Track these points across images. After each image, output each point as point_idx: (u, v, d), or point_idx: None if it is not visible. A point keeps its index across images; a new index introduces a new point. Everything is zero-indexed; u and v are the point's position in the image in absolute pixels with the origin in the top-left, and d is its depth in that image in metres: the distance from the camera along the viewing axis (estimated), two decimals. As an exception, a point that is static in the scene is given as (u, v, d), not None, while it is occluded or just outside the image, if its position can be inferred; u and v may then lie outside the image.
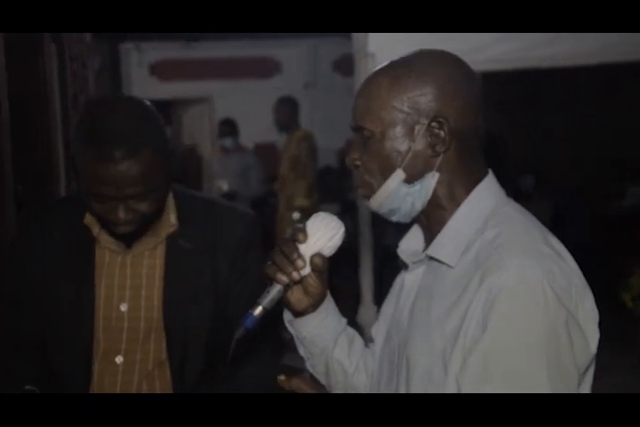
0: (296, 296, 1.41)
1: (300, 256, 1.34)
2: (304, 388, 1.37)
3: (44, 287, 1.77)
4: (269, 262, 1.36)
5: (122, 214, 1.61)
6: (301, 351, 1.52)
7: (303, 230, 1.35)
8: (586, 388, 1.28)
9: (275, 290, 1.35)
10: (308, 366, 1.53)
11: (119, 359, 1.77)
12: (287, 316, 1.48)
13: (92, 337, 1.76)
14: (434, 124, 1.29)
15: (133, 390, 1.77)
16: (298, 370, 1.49)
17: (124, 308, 1.76)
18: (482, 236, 1.27)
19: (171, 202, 1.78)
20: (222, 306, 1.79)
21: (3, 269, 1.85)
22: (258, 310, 1.34)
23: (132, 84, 8.76)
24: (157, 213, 1.72)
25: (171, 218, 1.76)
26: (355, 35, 3.43)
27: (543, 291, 1.18)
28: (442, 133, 1.29)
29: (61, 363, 1.78)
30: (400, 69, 1.31)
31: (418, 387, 1.29)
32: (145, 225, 1.71)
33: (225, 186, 6.90)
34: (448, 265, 1.29)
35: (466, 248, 1.28)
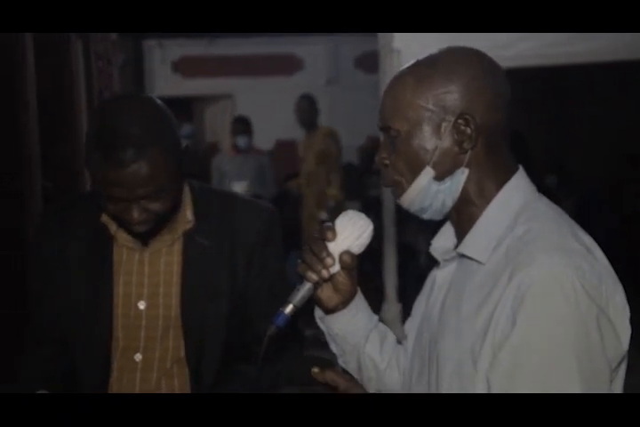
0: (326, 294, 1.43)
1: (330, 254, 1.36)
2: (337, 380, 1.38)
3: (63, 285, 1.79)
4: (300, 261, 1.38)
5: (135, 215, 1.62)
6: (333, 348, 1.53)
7: (332, 229, 1.37)
8: (618, 385, 1.27)
9: (305, 288, 1.36)
10: (341, 362, 1.53)
11: (138, 357, 1.77)
12: (318, 313, 1.49)
13: (111, 335, 1.77)
14: (460, 121, 1.29)
15: (152, 388, 1.78)
16: (330, 362, 1.49)
17: (142, 306, 1.76)
18: (512, 232, 1.27)
19: (187, 198, 1.78)
20: (240, 302, 1.79)
21: (31, 265, 1.88)
22: (289, 308, 1.35)
23: (155, 80, 8.81)
24: (173, 210, 1.72)
25: (187, 214, 1.76)
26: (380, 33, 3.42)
27: (573, 287, 1.18)
28: (468, 130, 1.29)
29: (81, 360, 1.79)
30: (425, 68, 1.32)
31: (448, 383, 1.29)
32: (161, 223, 1.71)
33: (244, 188, 6.57)
34: (479, 262, 1.30)
35: (496, 245, 1.28)
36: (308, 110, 6.25)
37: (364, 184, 7.31)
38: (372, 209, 5.29)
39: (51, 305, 1.81)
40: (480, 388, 1.24)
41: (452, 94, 1.29)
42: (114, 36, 5.23)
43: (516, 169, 1.35)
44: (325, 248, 1.36)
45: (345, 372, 1.51)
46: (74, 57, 3.57)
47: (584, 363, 1.18)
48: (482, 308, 1.25)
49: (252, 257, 1.79)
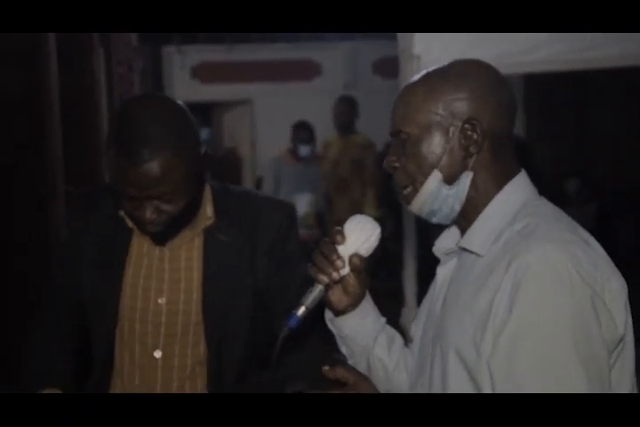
0: (336, 296, 1.49)
1: (339, 257, 1.43)
2: (348, 376, 1.43)
3: (82, 274, 1.82)
4: (311, 264, 1.44)
5: (147, 214, 1.64)
6: (343, 350, 1.58)
7: (341, 233, 1.44)
8: (624, 369, 1.29)
9: (316, 290, 1.43)
10: (351, 363, 1.57)
11: (158, 353, 1.78)
12: (328, 315, 1.55)
13: (116, 324, 1.79)
14: (467, 126, 1.36)
15: (174, 389, 1.79)
16: (339, 361, 1.53)
17: (161, 301, 1.78)
18: (511, 227, 1.33)
19: (208, 196, 1.80)
20: (261, 298, 1.80)
21: (55, 259, 1.92)
22: (301, 310, 1.41)
23: (174, 86, 8.85)
24: (192, 210, 1.74)
25: (207, 211, 1.78)
26: (400, 36, 3.42)
27: (568, 272, 1.23)
28: (475, 135, 1.36)
29: (97, 358, 1.82)
30: (435, 77, 1.40)
31: (453, 373, 1.33)
32: (175, 225, 1.72)
33: (308, 202, 5.96)
34: (478, 254, 1.35)
35: (495, 238, 1.34)
36: (347, 112, 6.11)
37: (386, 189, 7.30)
38: (393, 214, 5.27)
39: (69, 294, 1.85)
40: (485, 374, 1.28)
41: (460, 101, 1.37)
42: (134, 42, 5.27)
43: (519, 171, 1.41)
44: (335, 251, 1.43)
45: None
46: (95, 63, 3.61)
47: (581, 345, 1.22)
48: (480, 296, 1.30)
49: (272, 254, 1.81)
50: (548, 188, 1.41)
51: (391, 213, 6.91)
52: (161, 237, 1.76)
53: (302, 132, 6.36)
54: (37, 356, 1.83)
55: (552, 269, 1.24)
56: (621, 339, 1.28)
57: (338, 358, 1.56)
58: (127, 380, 1.81)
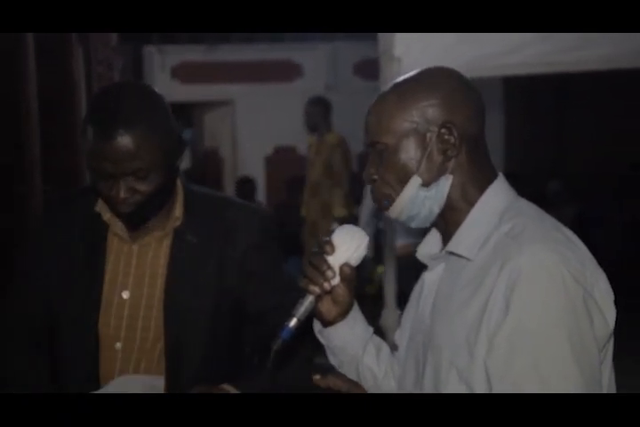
0: (326, 306, 1.49)
1: (330, 267, 1.43)
2: (339, 384, 1.42)
3: (55, 274, 1.81)
4: (301, 276, 1.44)
5: (122, 193, 1.66)
6: (332, 360, 1.58)
7: (330, 243, 1.44)
8: (607, 365, 1.33)
9: (307, 301, 1.43)
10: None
11: (118, 346, 1.79)
12: (317, 326, 1.55)
13: (98, 323, 1.78)
14: (443, 130, 1.39)
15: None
16: (329, 369, 1.52)
17: (125, 295, 1.79)
18: (498, 230, 1.35)
19: (179, 197, 1.81)
20: (230, 301, 1.81)
21: (23, 257, 1.90)
22: (293, 322, 1.41)
23: (154, 86, 8.75)
24: (163, 204, 1.76)
25: (176, 212, 1.80)
26: (380, 37, 3.42)
27: (560, 273, 1.27)
28: (452, 139, 1.38)
29: (69, 350, 1.81)
30: (406, 85, 1.42)
31: (445, 376, 1.34)
32: (147, 209, 1.73)
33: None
34: (467, 259, 1.37)
35: (484, 242, 1.36)
36: (319, 113, 6.06)
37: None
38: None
39: (40, 291, 1.83)
40: (478, 378, 1.30)
41: (433, 107, 1.39)
42: (114, 41, 5.24)
43: (496, 175, 1.43)
44: (325, 262, 1.43)
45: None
46: (75, 62, 3.58)
47: (575, 342, 1.25)
48: (473, 300, 1.32)
49: (245, 259, 1.81)
50: (527, 189, 1.44)
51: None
52: (134, 219, 1.76)
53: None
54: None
55: (545, 270, 1.26)
56: (610, 335, 1.32)
57: (322, 365, 1.55)
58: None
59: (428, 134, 1.38)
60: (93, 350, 1.80)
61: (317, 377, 1.42)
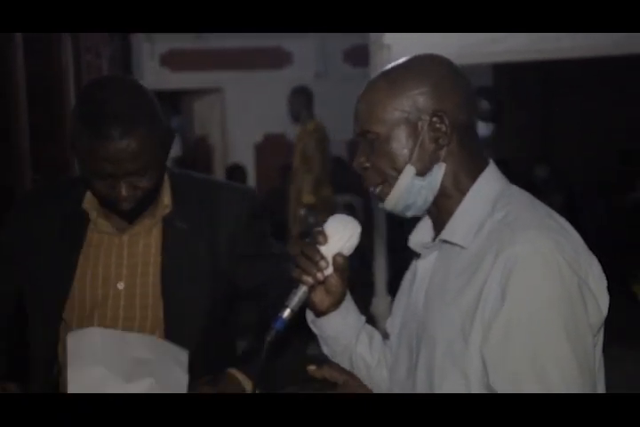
0: (319, 296, 1.48)
1: (323, 257, 1.42)
2: (335, 375, 1.42)
3: (34, 270, 1.80)
4: (294, 266, 1.43)
5: (123, 191, 1.65)
6: (325, 350, 1.58)
7: (323, 233, 1.43)
8: (598, 350, 1.35)
9: (300, 291, 1.42)
10: None
11: None
12: (310, 316, 1.54)
13: (61, 317, 1.78)
14: (435, 119, 1.38)
15: None
16: (325, 360, 1.52)
17: (120, 286, 1.79)
18: (491, 217, 1.35)
19: (166, 184, 1.81)
20: (224, 283, 1.82)
21: None
22: (286, 313, 1.41)
23: (143, 74, 8.77)
24: (154, 193, 1.75)
25: (165, 200, 1.80)
26: (370, 26, 3.42)
27: (555, 260, 1.27)
28: (443, 127, 1.38)
29: (35, 339, 1.81)
30: (396, 73, 1.41)
31: (440, 363, 1.34)
32: (145, 202, 1.74)
33: None
34: (461, 247, 1.36)
35: (477, 230, 1.36)
36: (300, 103, 6.14)
37: (354, 178, 7.30)
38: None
39: (8, 286, 1.84)
40: (474, 365, 1.31)
41: (424, 95, 1.38)
42: (103, 29, 5.20)
43: (487, 162, 1.43)
44: (318, 252, 1.42)
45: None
46: (63, 50, 3.56)
47: (571, 330, 1.26)
48: (468, 288, 1.32)
49: (235, 239, 1.82)
50: (517, 177, 1.44)
51: (361, 200, 6.94)
52: (132, 214, 1.76)
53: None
54: None
55: (541, 258, 1.27)
56: (603, 320, 1.33)
57: (317, 357, 1.55)
58: None
59: (420, 123, 1.38)
60: (53, 349, 1.78)
61: (313, 368, 1.41)
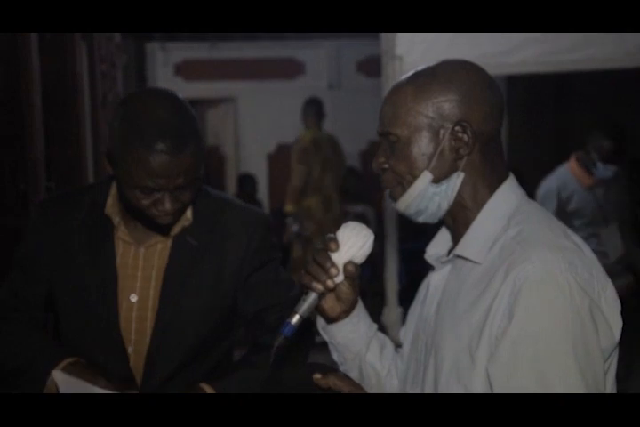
0: (329, 304, 1.48)
1: (334, 265, 1.41)
2: (340, 384, 1.40)
3: (62, 274, 1.81)
4: (304, 272, 1.41)
5: (168, 205, 1.66)
6: (335, 357, 1.57)
7: (335, 240, 1.41)
8: (610, 376, 1.31)
9: (310, 298, 1.41)
10: (343, 370, 1.56)
11: (130, 350, 1.80)
12: (320, 323, 1.54)
13: (120, 326, 1.79)
14: (457, 128, 1.36)
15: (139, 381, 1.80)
16: (331, 368, 1.51)
17: (133, 298, 1.79)
18: (505, 233, 1.33)
19: None
20: (222, 305, 1.82)
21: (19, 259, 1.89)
22: (295, 319, 1.39)
23: (157, 83, 8.81)
24: (192, 202, 1.76)
25: (187, 213, 1.80)
26: (383, 37, 3.44)
27: (566, 281, 1.24)
28: (465, 137, 1.36)
29: (88, 351, 1.80)
30: (424, 78, 1.39)
31: (445, 380, 1.33)
32: (180, 215, 1.75)
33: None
34: (474, 262, 1.35)
35: (491, 245, 1.34)
36: (304, 113, 6.23)
37: (366, 188, 7.31)
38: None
39: (47, 291, 1.84)
40: (478, 382, 1.29)
41: (450, 103, 1.36)
42: (117, 38, 5.25)
43: (507, 175, 1.41)
44: (329, 259, 1.41)
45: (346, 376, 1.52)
46: (78, 60, 3.59)
47: (580, 352, 1.23)
48: (477, 304, 1.30)
49: (243, 262, 1.82)
50: (529, 187, 1.42)
51: (373, 211, 6.94)
52: (168, 228, 1.78)
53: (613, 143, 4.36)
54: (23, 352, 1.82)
55: (551, 278, 1.24)
56: (616, 346, 1.30)
57: (328, 365, 1.54)
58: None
59: (442, 131, 1.36)
60: (118, 355, 1.80)
61: (318, 376, 1.40)
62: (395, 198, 1.41)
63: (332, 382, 1.40)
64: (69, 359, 1.75)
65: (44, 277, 1.84)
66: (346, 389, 1.40)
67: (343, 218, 5.96)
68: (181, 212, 1.73)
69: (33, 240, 1.86)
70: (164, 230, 1.79)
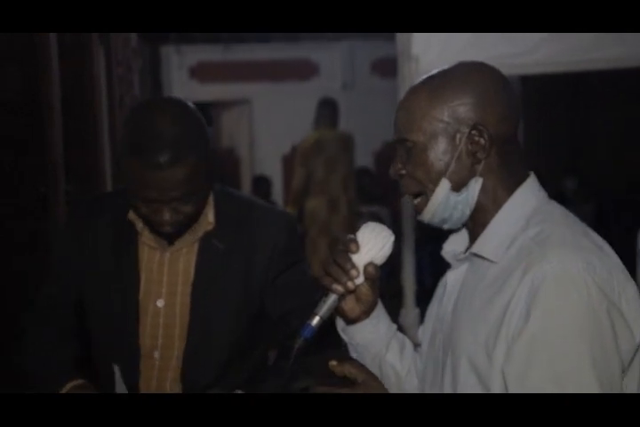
0: (349, 305, 1.47)
1: (354, 266, 1.39)
2: (355, 372, 1.40)
3: (90, 278, 1.82)
4: (324, 273, 1.40)
5: (167, 216, 1.66)
6: (355, 357, 1.56)
7: (355, 241, 1.40)
8: (634, 378, 1.29)
9: (330, 300, 1.40)
10: None
11: (156, 355, 1.80)
12: (340, 324, 1.53)
13: (138, 330, 1.80)
14: (474, 132, 1.34)
15: (167, 388, 1.80)
16: (347, 357, 1.51)
17: (160, 304, 1.80)
18: (524, 233, 1.32)
19: (210, 201, 1.80)
20: (253, 307, 1.82)
21: (52, 262, 1.92)
22: (315, 320, 1.39)
23: (172, 86, 8.85)
24: (197, 215, 1.76)
25: (209, 217, 1.79)
26: (398, 37, 3.43)
27: (584, 281, 1.23)
28: (482, 141, 1.34)
29: (109, 356, 1.82)
30: (438, 81, 1.37)
31: (464, 379, 1.33)
32: (188, 225, 1.75)
33: None
34: (491, 261, 1.34)
35: (509, 245, 1.33)
36: (317, 114, 6.23)
37: (379, 188, 7.31)
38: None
39: (76, 295, 1.85)
40: (496, 381, 1.28)
41: (465, 106, 1.34)
42: (134, 42, 5.28)
43: (528, 175, 1.39)
44: (350, 260, 1.40)
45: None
46: (96, 63, 3.62)
47: (597, 353, 1.22)
48: (494, 303, 1.29)
49: (270, 263, 1.82)
50: (546, 188, 1.41)
51: (388, 211, 6.94)
52: (173, 236, 1.77)
53: None
54: (43, 363, 1.83)
55: (570, 278, 1.23)
56: (637, 347, 1.28)
57: (345, 354, 1.54)
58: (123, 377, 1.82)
59: (458, 135, 1.35)
60: (133, 359, 1.80)
61: (334, 363, 1.39)
62: (418, 210, 1.41)
63: (348, 370, 1.39)
64: (75, 382, 1.75)
65: (73, 282, 1.85)
66: (360, 377, 1.39)
67: (355, 219, 5.96)
68: (188, 222, 1.73)
69: (62, 246, 1.88)
70: (169, 239, 1.79)
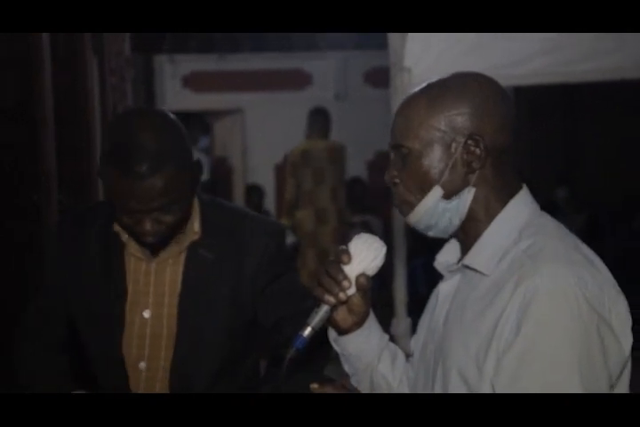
0: (341, 315, 1.47)
1: (346, 277, 1.40)
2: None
3: (77, 290, 1.83)
4: (316, 284, 1.41)
5: (148, 226, 1.66)
6: (346, 368, 1.57)
7: (347, 252, 1.41)
8: (621, 389, 1.30)
9: (322, 310, 1.41)
10: (354, 381, 1.56)
11: (142, 365, 1.80)
12: (332, 334, 1.53)
13: (122, 342, 1.80)
14: (470, 142, 1.35)
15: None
16: (332, 380, 1.51)
17: (147, 314, 1.80)
18: (516, 246, 1.32)
19: (196, 211, 1.80)
20: (241, 318, 1.82)
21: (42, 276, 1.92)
22: (307, 331, 1.39)
23: (166, 95, 8.86)
24: (183, 222, 1.76)
25: (194, 226, 1.79)
26: (391, 48, 3.45)
27: (575, 296, 1.24)
28: (477, 151, 1.35)
29: (96, 367, 1.83)
30: (437, 90, 1.38)
31: (454, 390, 1.33)
32: (170, 235, 1.75)
33: None
34: (483, 273, 1.34)
35: (501, 258, 1.33)
36: (314, 124, 6.17)
37: (370, 198, 7.32)
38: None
39: (66, 307, 1.85)
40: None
41: (462, 116, 1.35)
42: (127, 52, 5.28)
43: (521, 187, 1.40)
44: (342, 271, 1.40)
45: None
46: (89, 73, 3.62)
47: (585, 369, 1.23)
48: (485, 316, 1.30)
49: (259, 272, 1.81)
50: (537, 198, 1.41)
51: (379, 221, 6.94)
52: (156, 247, 1.77)
53: None
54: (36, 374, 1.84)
55: (561, 293, 1.24)
56: (626, 362, 1.29)
57: (328, 377, 1.54)
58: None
59: (454, 144, 1.35)
60: (119, 370, 1.80)
61: (315, 386, 1.40)
62: (404, 213, 1.41)
63: (329, 392, 1.40)
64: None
65: (63, 295, 1.85)
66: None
67: (346, 229, 5.93)
68: (171, 232, 1.72)
69: (51, 259, 1.89)
70: (152, 249, 1.79)
